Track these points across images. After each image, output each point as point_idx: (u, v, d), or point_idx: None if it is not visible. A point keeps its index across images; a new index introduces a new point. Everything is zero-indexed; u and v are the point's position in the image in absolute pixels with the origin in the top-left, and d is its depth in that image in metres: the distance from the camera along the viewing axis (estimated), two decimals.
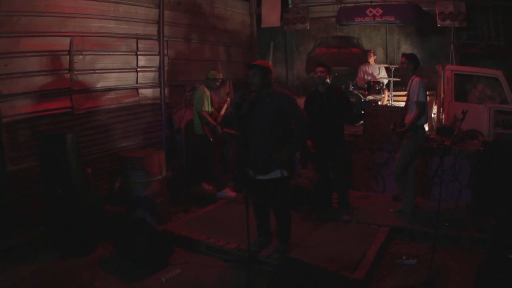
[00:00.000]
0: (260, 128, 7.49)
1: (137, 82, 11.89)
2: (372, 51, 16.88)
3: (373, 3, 15.78)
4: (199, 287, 7.36)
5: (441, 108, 13.75)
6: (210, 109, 11.20)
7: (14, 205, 8.98)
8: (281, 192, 7.71)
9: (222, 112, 11.54)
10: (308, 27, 17.74)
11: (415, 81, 8.85)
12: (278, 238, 8.02)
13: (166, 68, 12.72)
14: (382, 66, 16.25)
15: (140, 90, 11.97)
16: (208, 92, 11.15)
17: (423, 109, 8.87)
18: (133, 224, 8.19)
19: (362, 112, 11.25)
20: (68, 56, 9.95)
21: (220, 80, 11.64)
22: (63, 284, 7.44)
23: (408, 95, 9.08)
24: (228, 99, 11.90)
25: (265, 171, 7.54)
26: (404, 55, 9.24)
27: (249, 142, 7.66)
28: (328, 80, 9.29)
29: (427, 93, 9.18)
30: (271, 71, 7.58)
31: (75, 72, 10.13)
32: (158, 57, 12.45)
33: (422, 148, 9.51)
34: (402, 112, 9.43)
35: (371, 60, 16.41)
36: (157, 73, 12.50)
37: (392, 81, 15.59)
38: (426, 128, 11.00)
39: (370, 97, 15.25)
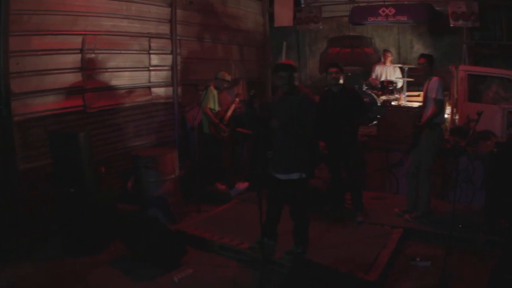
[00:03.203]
0: (284, 128, 7.44)
1: (149, 81, 11.91)
2: (390, 52, 16.77)
3: (386, 3, 15.68)
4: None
5: (455, 109, 13.68)
6: (216, 108, 11.16)
7: (26, 203, 8.99)
8: (299, 193, 7.68)
9: (229, 112, 11.47)
10: (321, 27, 17.67)
11: (434, 80, 8.81)
12: (294, 240, 7.93)
13: (179, 67, 12.75)
14: (397, 67, 16.17)
15: (152, 89, 12.00)
16: (215, 92, 11.11)
17: (441, 107, 8.88)
18: (145, 223, 8.14)
19: (378, 116, 11.17)
20: (80, 55, 9.97)
21: (228, 82, 11.58)
22: (75, 282, 7.43)
23: (425, 95, 9.03)
24: (237, 99, 11.86)
25: (286, 172, 7.53)
26: (423, 55, 9.20)
27: (273, 142, 7.65)
28: (341, 81, 9.25)
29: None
30: (295, 71, 7.57)
31: (87, 71, 10.16)
32: (170, 56, 12.47)
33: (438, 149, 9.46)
34: (419, 111, 9.38)
35: (388, 61, 16.31)
36: (170, 72, 12.54)
37: (405, 82, 15.49)
38: None
39: (383, 97, 15.18)
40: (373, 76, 16.25)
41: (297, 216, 7.83)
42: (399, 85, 15.86)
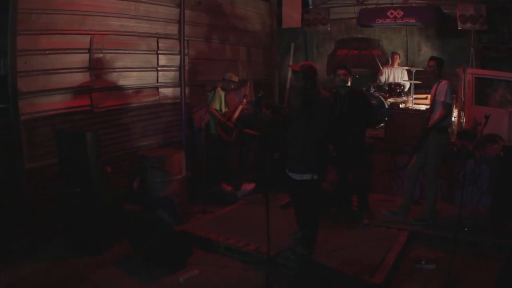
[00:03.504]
0: (300, 129, 7.62)
1: (157, 81, 11.94)
2: (398, 54, 16.76)
3: (394, 5, 15.71)
4: None
5: (462, 112, 13.67)
6: (223, 109, 11.14)
7: (32, 203, 9.02)
8: (309, 194, 7.72)
9: (236, 113, 11.47)
10: (329, 29, 17.70)
11: (443, 83, 8.83)
12: (301, 240, 7.99)
13: (186, 68, 12.76)
14: (404, 69, 16.16)
15: (160, 89, 12.02)
16: (222, 93, 11.08)
17: (449, 111, 8.91)
18: (151, 224, 8.15)
19: (386, 119, 11.17)
20: (88, 54, 10.01)
21: (235, 83, 11.53)
22: (79, 282, 7.43)
23: (432, 98, 9.03)
24: (244, 100, 11.85)
25: (299, 172, 7.62)
26: (433, 58, 9.19)
27: (290, 142, 7.81)
28: (349, 83, 9.26)
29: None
30: (315, 73, 7.71)
31: (95, 71, 10.19)
32: (178, 57, 12.48)
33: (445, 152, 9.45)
34: (427, 114, 9.37)
35: (396, 63, 16.30)
36: (178, 73, 12.54)
37: (412, 84, 15.48)
38: None
39: (391, 100, 15.17)
40: (381, 78, 16.23)
41: (306, 217, 7.89)
42: (407, 87, 15.86)
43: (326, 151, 7.77)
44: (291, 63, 20.44)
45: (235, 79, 11.41)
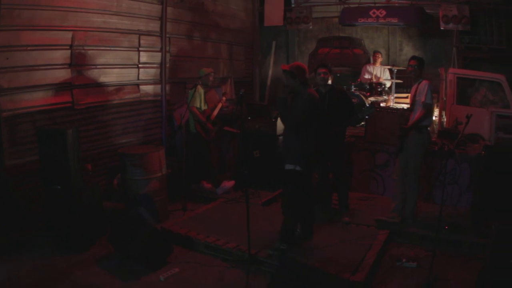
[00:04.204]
0: (291, 123, 7.90)
1: (138, 78, 11.87)
2: (380, 53, 16.79)
3: (377, 5, 15.72)
4: (198, 287, 7.32)
5: (443, 111, 13.71)
6: (203, 107, 11.17)
7: (13, 200, 8.92)
8: (292, 184, 7.88)
9: (216, 111, 11.51)
10: (311, 27, 17.70)
11: (423, 83, 8.84)
12: (280, 235, 8.07)
13: (167, 65, 12.74)
14: (386, 68, 16.20)
15: (141, 87, 11.96)
16: (201, 91, 11.12)
17: (429, 111, 8.94)
18: (131, 222, 8.14)
19: (367, 117, 11.19)
20: (69, 51, 9.92)
21: (212, 74, 11.50)
22: (60, 280, 7.38)
23: (413, 97, 9.05)
24: (224, 98, 11.87)
25: (286, 162, 7.91)
26: (414, 57, 9.22)
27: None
28: (330, 81, 9.27)
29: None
30: (304, 72, 7.91)
31: (77, 67, 10.11)
32: (160, 54, 12.44)
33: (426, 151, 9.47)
34: (407, 113, 9.38)
35: (378, 62, 16.34)
36: (159, 70, 12.50)
37: (394, 83, 15.51)
38: None
39: (371, 98, 15.21)
40: (366, 76, 16.27)
41: (285, 209, 7.98)
42: (388, 85, 15.91)
43: (310, 145, 7.84)
44: (272, 61, 20.53)
45: (210, 70, 11.40)
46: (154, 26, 12.22)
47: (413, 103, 9.05)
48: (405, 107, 12.99)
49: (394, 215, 9.27)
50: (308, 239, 8.48)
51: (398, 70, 15.30)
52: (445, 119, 13.41)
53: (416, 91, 8.96)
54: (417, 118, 8.77)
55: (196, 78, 11.68)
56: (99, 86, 10.77)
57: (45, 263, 7.90)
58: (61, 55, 9.80)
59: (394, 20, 15.45)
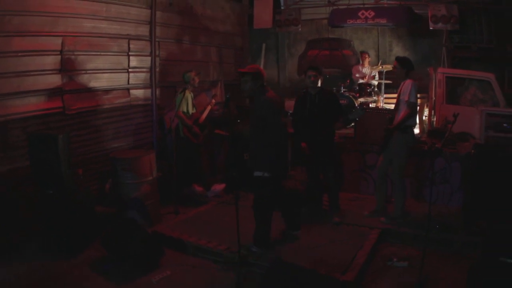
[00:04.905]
0: (252, 129, 7.86)
1: (128, 83, 11.88)
2: (367, 54, 16.84)
3: (366, 6, 15.77)
4: None
5: (433, 111, 13.76)
6: (191, 111, 11.23)
7: (6, 205, 8.94)
8: (260, 189, 7.94)
9: (205, 114, 11.59)
10: (300, 29, 17.74)
11: (407, 82, 8.91)
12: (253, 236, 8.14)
13: (157, 69, 12.71)
14: (375, 69, 16.23)
15: (131, 91, 11.96)
16: (188, 95, 11.18)
17: (413, 110, 8.99)
18: (123, 225, 8.19)
19: (357, 119, 11.22)
20: (59, 56, 9.92)
21: (198, 75, 11.57)
22: (53, 284, 7.41)
23: (398, 97, 9.11)
24: (213, 100, 11.93)
25: (253, 169, 7.86)
26: (396, 59, 9.32)
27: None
28: (319, 83, 9.32)
29: (418, 95, 9.23)
30: (262, 75, 7.82)
31: (67, 72, 10.11)
32: (149, 58, 12.44)
33: (413, 151, 9.51)
34: (388, 115, 9.45)
35: (366, 62, 16.40)
36: (149, 74, 12.50)
37: (383, 84, 15.56)
38: (417, 131, 11.02)
39: (361, 99, 15.27)
40: (357, 75, 16.33)
41: (254, 212, 8.06)
42: (375, 84, 15.96)
43: (280, 151, 7.87)
44: (262, 63, 20.54)
45: (193, 73, 11.42)
46: (143, 30, 12.23)
47: (398, 102, 9.12)
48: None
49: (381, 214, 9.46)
50: (295, 231, 8.70)
51: (387, 70, 15.30)
52: (434, 119, 13.45)
53: (400, 90, 9.04)
54: (402, 118, 8.86)
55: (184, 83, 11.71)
56: (90, 91, 10.77)
57: (38, 267, 7.91)
58: (52, 61, 9.79)
59: (383, 21, 15.50)
